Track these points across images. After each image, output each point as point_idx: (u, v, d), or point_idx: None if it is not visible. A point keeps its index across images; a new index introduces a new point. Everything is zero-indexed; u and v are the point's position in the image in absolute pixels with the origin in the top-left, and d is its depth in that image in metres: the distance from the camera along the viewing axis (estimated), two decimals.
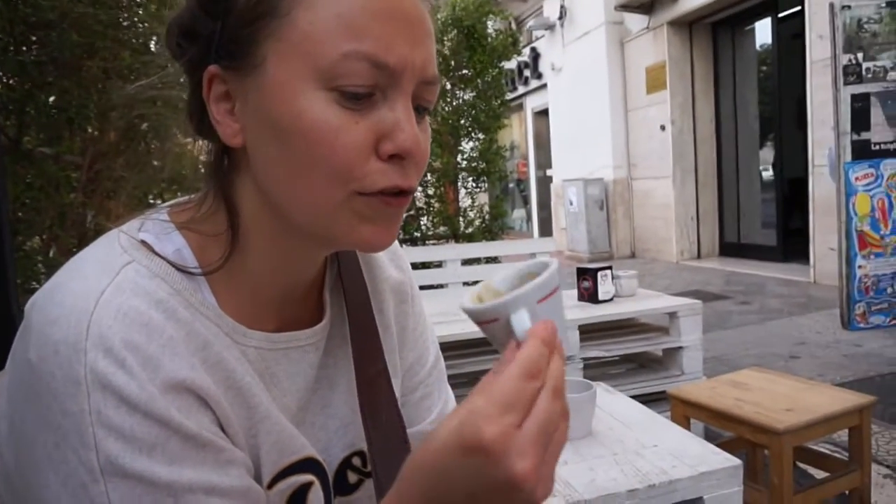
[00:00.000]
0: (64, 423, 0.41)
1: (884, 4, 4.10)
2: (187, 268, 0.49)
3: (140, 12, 2.53)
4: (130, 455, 0.41)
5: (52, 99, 2.38)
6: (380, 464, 0.58)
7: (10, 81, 2.24)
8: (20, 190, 2.23)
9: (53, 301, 0.44)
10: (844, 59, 4.13)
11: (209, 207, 0.52)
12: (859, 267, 4.16)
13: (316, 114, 0.44)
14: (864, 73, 4.11)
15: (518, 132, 12.48)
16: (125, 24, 2.52)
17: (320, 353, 0.59)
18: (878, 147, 4.12)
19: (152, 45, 2.64)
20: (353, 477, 0.61)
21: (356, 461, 0.61)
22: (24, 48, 2.24)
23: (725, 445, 1.83)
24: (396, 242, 0.73)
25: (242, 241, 0.51)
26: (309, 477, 0.55)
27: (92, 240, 0.50)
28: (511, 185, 12.25)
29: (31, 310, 0.45)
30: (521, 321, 0.41)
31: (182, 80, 0.52)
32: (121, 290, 0.44)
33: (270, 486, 0.52)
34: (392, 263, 0.69)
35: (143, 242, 0.49)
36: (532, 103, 11.47)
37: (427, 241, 4.44)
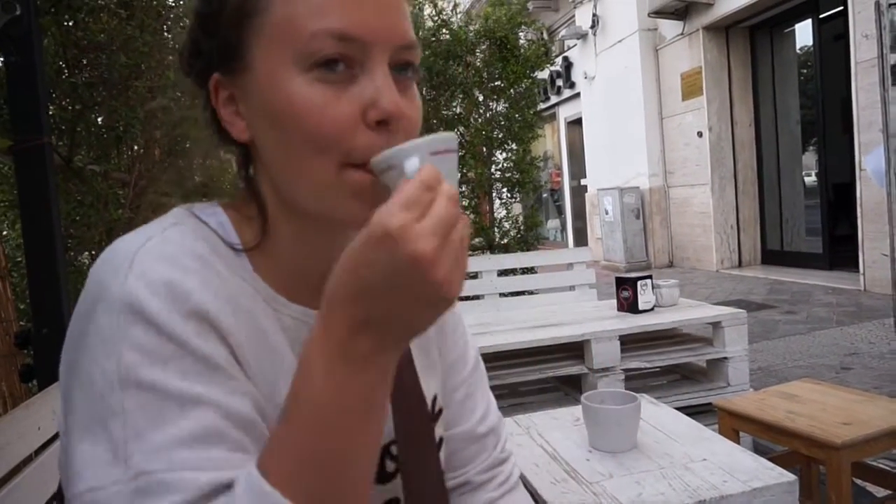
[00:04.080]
0: (94, 341, 0.44)
1: None
2: (231, 244, 0.53)
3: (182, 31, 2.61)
4: (147, 367, 0.43)
5: (100, 119, 2.47)
6: (402, 448, 0.59)
7: (63, 102, 2.34)
8: (71, 207, 2.32)
9: (105, 253, 0.49)
10: (893, 58, 4.00)
11: (244, 197, 0.57)
12: None
13: (302, 95, 0.47)
14: None
15: (551, 142, 12.43)
16: (169, 45, 2.61)
17: None
18: None
19: None
20: (390, 465, 0.62)
21: (394, 450, 0.62)
22: (76, 70, 2.34)
23: (777, 460, 1.75)
24: None
25: (271, 229, 0.55)
26: None
27: None
28: (545, 196, 12.17)
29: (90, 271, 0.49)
30: (414, 165, 0.44)
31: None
32: (166, 240, 0.49)
33: None
34: None
35: (192, 213, 0.54)
36: (565, 113, 11.41)
37: None
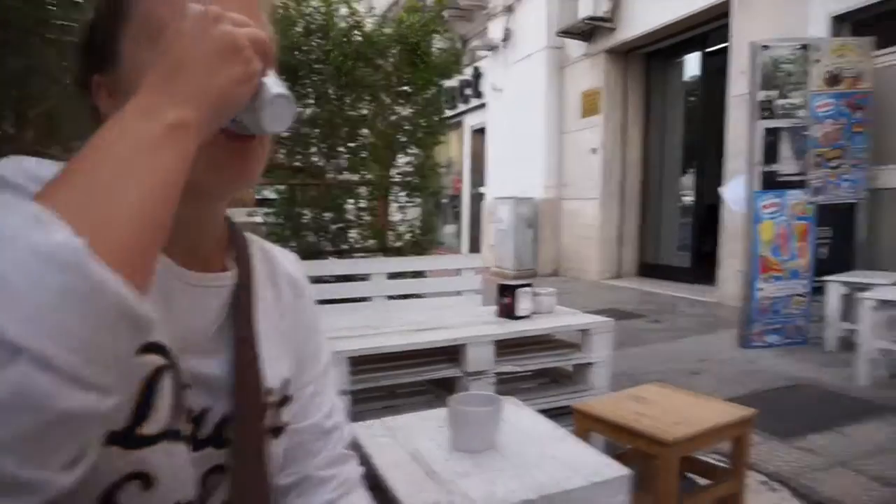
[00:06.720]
0: None
1: (798, 46, 4.43)
2: None
3: None
4: None
5: None
6: (237, 424, 0.63)
7: None
8: None
9: None
10: (761, 94, 4.41)
11: None
12: (759, 289, 4.48)
13: None
14: (776, 109, 4.41)
15: (455, 149, 12.58)
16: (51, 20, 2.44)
17: (221, 301, 0.65)
18: (784, 179, 4.44)
19: None
20: (229, 433, 0.65)
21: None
22: None
23: (623, 457, 1.92)
24: (295, 256, 0.82)
25: None
26: (159, 359, 0.56)
27: None
28: (444, 201, 12.28)
29: None
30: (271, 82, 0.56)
31: None
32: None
33: None
34: (289, 262, 0.79)
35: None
36: (471, 121, 11.56)
37: (354, 254, 4.41)
